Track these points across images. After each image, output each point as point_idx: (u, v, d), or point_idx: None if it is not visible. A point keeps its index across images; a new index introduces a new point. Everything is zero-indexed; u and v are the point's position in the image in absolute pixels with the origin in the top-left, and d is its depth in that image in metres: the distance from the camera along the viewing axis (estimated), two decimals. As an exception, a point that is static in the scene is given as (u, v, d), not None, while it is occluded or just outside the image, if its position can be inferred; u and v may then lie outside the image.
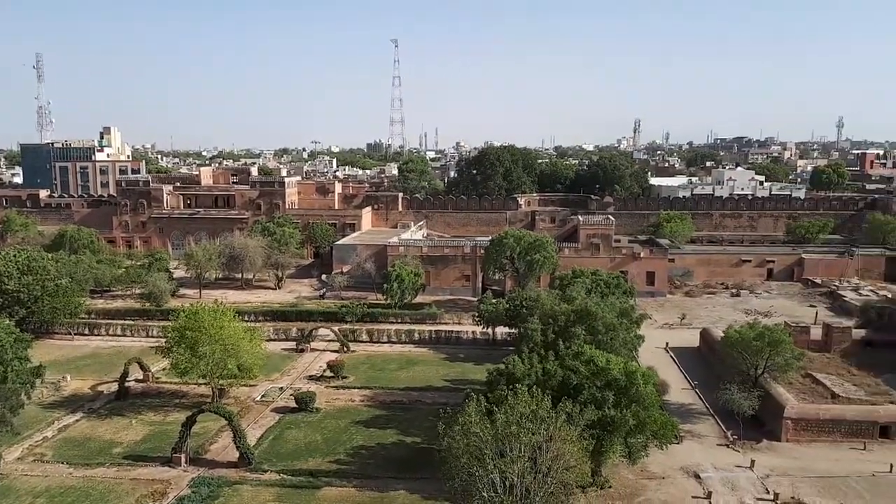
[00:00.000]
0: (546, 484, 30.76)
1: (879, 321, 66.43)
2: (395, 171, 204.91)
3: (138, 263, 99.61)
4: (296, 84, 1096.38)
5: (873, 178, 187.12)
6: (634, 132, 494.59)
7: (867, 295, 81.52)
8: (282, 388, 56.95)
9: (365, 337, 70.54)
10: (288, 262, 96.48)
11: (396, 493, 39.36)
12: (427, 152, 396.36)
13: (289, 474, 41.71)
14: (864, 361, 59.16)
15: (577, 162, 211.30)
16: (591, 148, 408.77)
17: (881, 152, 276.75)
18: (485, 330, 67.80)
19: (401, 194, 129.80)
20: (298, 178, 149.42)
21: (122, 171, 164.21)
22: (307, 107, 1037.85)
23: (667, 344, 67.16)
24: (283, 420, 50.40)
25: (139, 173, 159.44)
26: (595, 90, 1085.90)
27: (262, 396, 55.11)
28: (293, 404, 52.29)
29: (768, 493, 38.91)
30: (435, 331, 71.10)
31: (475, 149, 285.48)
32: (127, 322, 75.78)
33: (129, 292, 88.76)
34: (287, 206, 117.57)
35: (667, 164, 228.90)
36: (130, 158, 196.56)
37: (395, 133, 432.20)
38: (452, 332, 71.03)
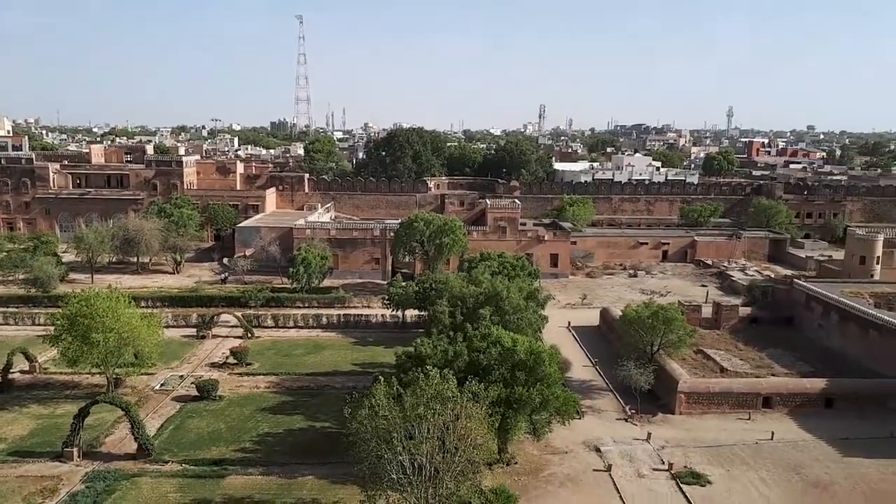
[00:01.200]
0: (454, 463, 31.20)
1: (763, 299, 71.23)
2: (301, 152, 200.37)
3: (21, 247, 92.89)
4: (193, 58, 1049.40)
5: (759, 165, 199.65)
6: (540, 118, 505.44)
7: (753, 275, 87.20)
8: (182, 376, 54.87)
9: (270, 322, 68.96)
10: (187, 245, 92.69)
11: (304, 478, 38.89)
12: (334, 132, 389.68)
13: (191, 464, 40.35)
14: (750, 337, 63.48)
15: (485, 146, 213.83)
16: (498, 133, 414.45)
17: (766, 141, 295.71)
18: (395, 313, 67.77)
19: (307, 175, 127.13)
20: (197, 157, 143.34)
21: (2, 148, 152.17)
22: (206, 83, 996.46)
23: (569, 323, 69.43)
24: (184, 409, 48.61)
25: (21, 150, 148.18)
26: (501, 76, 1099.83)
27: (162, 385, 52.93)
28: (195, 392, 50.52)
29: (663, 463, 41.11)
30: (343, 315, 70.41)
31: (384, 130, 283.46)
32: (10, 310, 70.67)
33: (10, 278, 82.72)
34: (185, 187, 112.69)
35: (570, 150, 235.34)
36: (11, 134, 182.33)
37: (300, 112, 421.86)
38: (362, 315, 70.55)
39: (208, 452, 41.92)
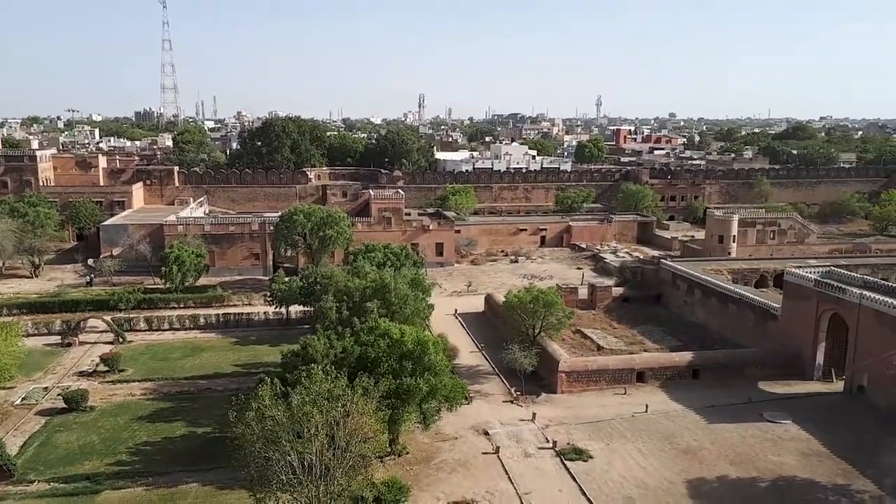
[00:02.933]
0: (345, 459, 30.94)
1: (634, 279, 75.45)
2: (170, 143, 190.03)
3: None
4: (46, 44, 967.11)
5: (627, 152, 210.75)
6: (419, 107, 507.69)
7: (623, 257, 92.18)
8: (47, 387, 50.77)
9: (143, 325, 65.18)
10: (46, 246, 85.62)
11: (188, 486, 37.21)
12: (205, 122, 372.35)
13: (61, 482, 37.52)
14: (623, 315, 67.14)
15: (365, 135, 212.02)
16: (378, 121, 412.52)
17: (633, 128, 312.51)
18: (278, 310, 65.96)
19: (177, 168, 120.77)
20: (53, 150, 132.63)
21: None
22: (61, 72, 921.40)
23: (456, 310, 70.50)
24: (50, 423, 45.03)
25: None
26: (380, 64, 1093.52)
27: (23, 399, 48.72)
28: (62, 405, 46.91)
29: (548, 441, 42.73)
30: (223, 314, 67.68)
31: (259, 119, 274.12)
32: None
33: None
34: (41, 184, 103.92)
35: (451, 139, 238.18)
36: None
37: (167, 101, 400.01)
38: (243, 314, 68.12)
39: (80, 468, 39.12)
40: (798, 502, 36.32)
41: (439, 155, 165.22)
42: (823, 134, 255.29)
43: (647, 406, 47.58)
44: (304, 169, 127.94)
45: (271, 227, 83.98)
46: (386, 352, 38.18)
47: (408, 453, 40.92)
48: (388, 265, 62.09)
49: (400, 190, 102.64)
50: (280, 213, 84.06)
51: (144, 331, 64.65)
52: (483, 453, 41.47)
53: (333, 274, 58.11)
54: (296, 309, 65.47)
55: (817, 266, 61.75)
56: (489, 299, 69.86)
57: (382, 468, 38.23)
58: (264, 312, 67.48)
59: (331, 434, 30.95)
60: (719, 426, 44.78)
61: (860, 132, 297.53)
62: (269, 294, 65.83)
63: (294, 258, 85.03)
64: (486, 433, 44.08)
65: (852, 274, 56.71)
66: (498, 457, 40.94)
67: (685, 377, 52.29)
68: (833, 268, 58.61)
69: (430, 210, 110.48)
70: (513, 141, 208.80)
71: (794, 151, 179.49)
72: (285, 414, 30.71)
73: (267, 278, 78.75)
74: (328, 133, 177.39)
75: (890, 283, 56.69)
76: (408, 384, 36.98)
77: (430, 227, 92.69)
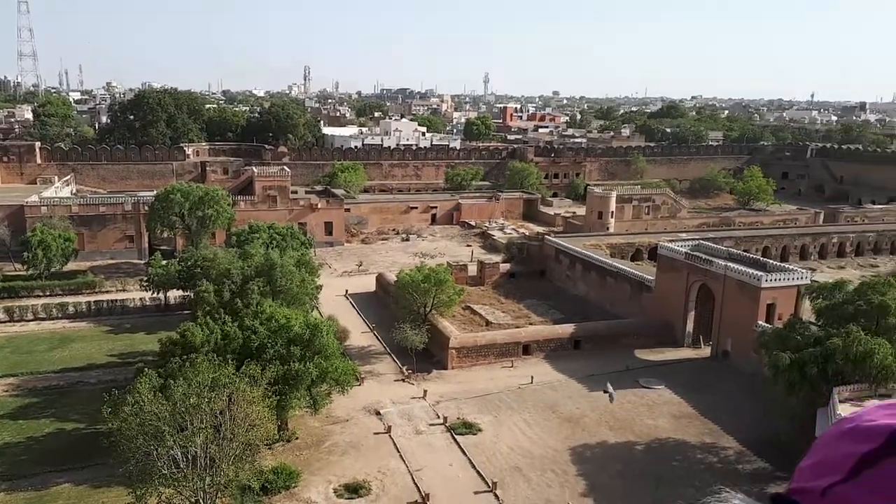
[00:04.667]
0: (231, 449, 30.06)
1: (520, 255, 77.48)
2: (30, 116, 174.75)
3: None
4: None
5: (513, 130, 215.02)
6: (305, 80, 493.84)
7: (510, 233, 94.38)
8: None
9: (3, 316, 60.06)
10: None
11: (59, 487, 34.93)
12: (70, 93, 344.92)
13: None
14: (510, 290, 68.93)
15: (247, 109, 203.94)
16: (261, 94, 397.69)
17: (518, 106, 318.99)
18: (156, 295, 62.60)
19: (38, 143, 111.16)
20: None
21: None
22: None
23: (346, 291, 69.76)
24: None
25: None
26: (262, 34, 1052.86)
27: None
28: None
29: (439, 417, 43.39)
30: (94, 301, 63.47)
31: (131, 91, 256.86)
32: None
33: None
34: None
35: (338, 114, 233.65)
36: None
37: (25, 69, 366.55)
38: (116, 300, 64.18)
39: (-70, 476, 35.75)
40: (671, 461, 38.96)
41: (327, 130, 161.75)
42: (694, 113, 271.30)
43: (532, 378, 49.27)
44: (182, 144, 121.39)
45: (146, 208, 79.28)
46: (272, 337, 37.20)
47: (297, 438, 40.32)
48: (274, 246, 60.31)
49: (285, 167, 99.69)
50: (155, 193, 79.50)
51: (5, 322, 59.64)
52: (375, 433, 41.53)
53: (215, 256, 55.76)
54: (175, 294, 62.41)
55: (687, 239, 65.90)
56: (380, 279, 69.61)
57: (271, 455, 37.45)
58: (140, 298, 63.90)
59: (216, 424, 29.94)
60: (599, 394, 47.07)
61: (726, 111, 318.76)
62: (145, 279, 62.31)
63: (172, 240, 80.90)
64: (378, 413, 44.14)
65: (718, 247, 61.01)
66: (390, 436, 41.13)
67: (568, 348, 54.51)
68: (701, 241, 62.76)
69: (318, 188, 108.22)
70: (402, 117, 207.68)
71: (668, 130, 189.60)
72: (167, 407, 29.39)
73: (142, 262, 74.50)
74: (207, 106, 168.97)
75: (751, 255, 61.47)
76: (296, 369, 36.27)
77: (319, 206, 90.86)
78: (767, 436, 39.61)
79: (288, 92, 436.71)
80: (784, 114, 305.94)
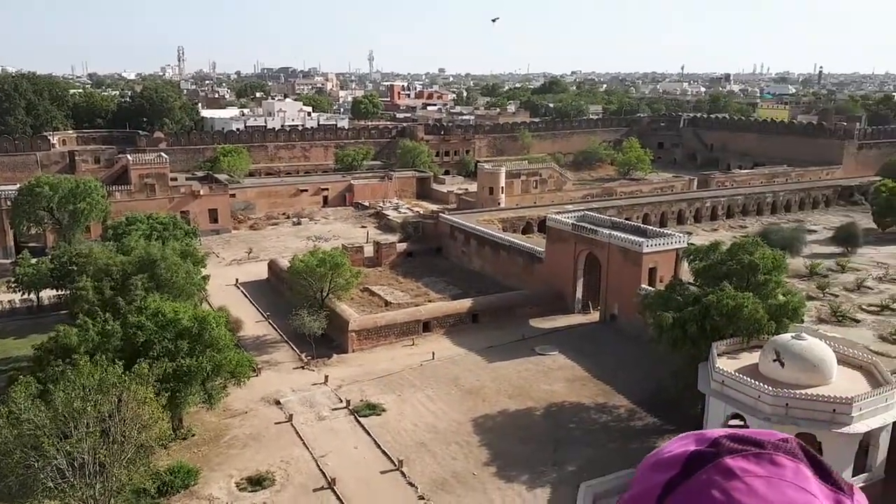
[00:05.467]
0: (123, 452, 28.58)
1: (416, 234, 77.72)
2: None
3: None
4: None
5: (402, 108, 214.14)
6: (179, 60, 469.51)
7: (405, 212, 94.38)
8: None
9: None
10: None
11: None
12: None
13: None
14: (408, 270, 69.09)
15: (117, 93, 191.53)
16: (132, 77, 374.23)
17: (405, 84, 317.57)
18: (26, 297, 58.03)
19: None
20: None
21: None
22: None
23: (237, 280, 67.48)
24: None
25: None
26: (128, 13, 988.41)
27: None
28: None
29: (341, 401, 43.06)
30: (-45, 306, 58.07)
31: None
32: None
33: None
34: None
35: (217, 95, 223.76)
36: None
37: None
38: (-19, 303, 59.01)
39: None
40: (567, 423, 40.64)
41: (205, 113, 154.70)
42: (575, 88, 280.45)
43: (433, 354, 49.80)
44: (45, 133, 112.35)
45: (9, 203, 73.09)
46: (158, 332, 35.45)
47: (194, 435, 38.89)
48: (156, 237, 57.27)
49: (163, 153, 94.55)
50: (19, 186, 73.34)
51: None
52: (276, 423, 40.69)
53: (91, 251, 52.24)
54: (48, 294, 58.12)
55: (574, 211, 68.34)
56: (273, 265, 67.77)
57: (168, 455, 35.88)
58: (9, 301, 59.04)
59: (104, 428, 28.34)
60: (498, 364, 48.32)
61: (605, 86, 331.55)
62: (13, 279, 57.57)
63: (41, 236, 75.09)
64: (278, 402, 43.23)
65: (602, 216, 63.65)
66: (291, 424, 40.43)
67: (466, 322, 55.43)
68: (587, 212, 65.24)
69: (200, 174, 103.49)
70: (286, 97, 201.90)
71: (551, 105, 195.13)
72: (47, 415, 27.52)
73: (9, 261, 68.76)
74: (72, 91, 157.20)
75: (632, 223, 64.60)
76: (188, 364, 34.80)
77: (202, 193, 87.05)
78: (655, 392, 42.07)
79: (161, 74, 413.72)
80: (658, 86, 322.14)
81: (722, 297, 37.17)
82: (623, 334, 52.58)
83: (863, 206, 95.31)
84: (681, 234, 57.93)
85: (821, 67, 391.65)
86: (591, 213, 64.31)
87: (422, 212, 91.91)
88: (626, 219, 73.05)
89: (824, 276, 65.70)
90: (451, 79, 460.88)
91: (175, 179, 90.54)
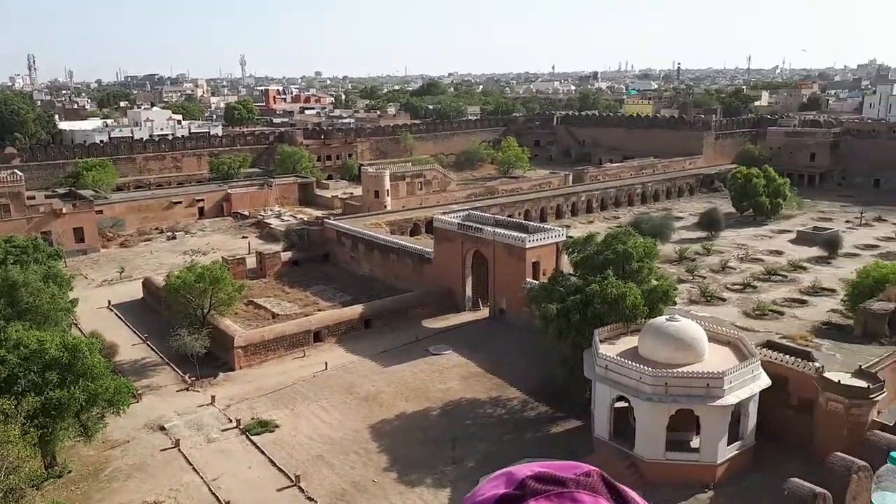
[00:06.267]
0: (-13, 500, 26.07)
1: (301, 242, 76.01)
2: None
3: None
4: None
5: (278, 113, 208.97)
6: (30, 70, 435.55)
7: (288, 220, 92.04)
8: None
9: None
10: None
11: None
12: None
13: None
14: (295, 279, 67.45)
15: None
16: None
17: (281, 88, 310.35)
18: None
19: None
20: None
21: None
22: None
23: (109, 302, 63.27)
24: None
25: None
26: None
27: None
28: None
29: (231, 421, 41.36)
30: None
31: None
32: None
33: None
34: None
35: (76, 106, 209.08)
36: None
37: None
38: None
39: None
40: (464, 419, 41.11)
41: (64, 125, 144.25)
42: (452, 89, 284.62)
43: (326, 363, 48.88)
44: None
45: None
46: (22, 365, 32.57)
47: (70, 472, 36.07)
48: (13, 261, 52.59)
49: (16, 170, 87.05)
50: None
51: None
52: (162, 450, 38.52)
53: (-63, 281, 47.16)
54: None
55: (459, 211, 69.29)
56: (148, 284, 64.09)
57: (41, 497, 33.02)
58: None
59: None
60: (393, 368, 48.14)
61: (481, 86, 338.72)
62: None
63: None
64: (163, 428, 40.94)
65: (486, 215, 64.97)
66: (179, 450, 38.40)
67: (359, 328, 54.85)
68: (471, 211, 66.36)
69: (62, 190, 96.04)
70: (153, 105, 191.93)
71: (431, 106, 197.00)
72: None
73: None
74: None
75: (515, 220, 66.39)
76: (58, 397, 32.20)
77: (64, 211, 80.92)
78: (545, 381, 43.39)
79: (10, 84, 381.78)
80: (531, 86, 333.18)
81: (605, 286, 38.85)
82: (512, 328, 53.84)
83: (722, 192, 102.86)
84: (560, 228, 60.14)
85: (679, 64, 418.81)
86: (476, 212, 65.45)
87: (306, 218, 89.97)
88: (509, 216, 75.03)
89: (692, 259, 70.31)
90: (329, 82, 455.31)
91: (33, 198, 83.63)
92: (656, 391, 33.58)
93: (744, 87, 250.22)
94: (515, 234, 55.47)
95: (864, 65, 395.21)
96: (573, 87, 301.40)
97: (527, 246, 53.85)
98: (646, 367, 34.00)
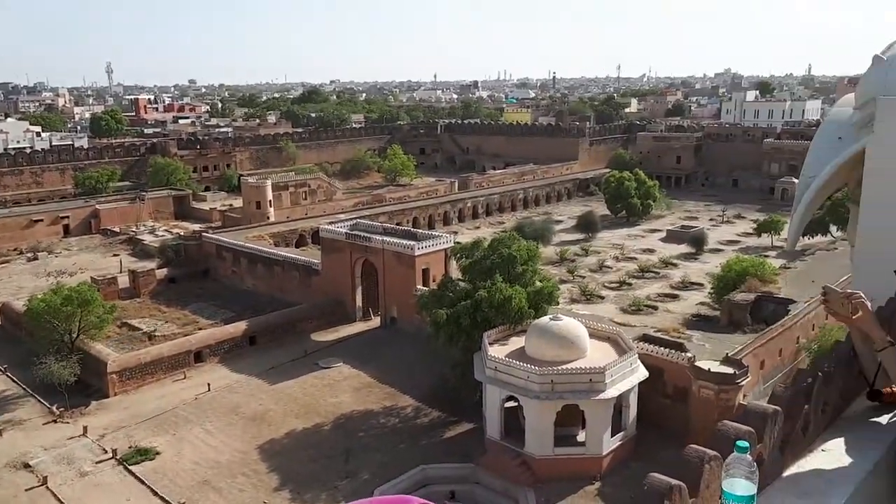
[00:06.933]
0: None
1: (178, 258, 72.43)
2: None
3: None
4: None
5: (150, 123, 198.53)
6: None
7: (163, 235, 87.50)
8: None
9: None
10: None
11: None
12: None
13: None
14: (172, 297, 64.12)
15: None
16: None
17: (152, 97, 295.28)
18: None
19: None
20: None
21: None
22: None
23: (-40, 331, 57.51)
24: None
25: None
26: None
27: None
28: None
29: (106, 452, 38.62)
30: None
31: None
32: None
33: None
34: None
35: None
36: None
37: None
38: None
39: None
40: (357, 432, 40.51)
41: None
42: (335, 97, 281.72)
43: (209, 385, 46.71)
44: None
45: None
46: None
47: (-84, 525, 32.34)
48: None
49: None
50: None
51: None
52: (27, 490, 35.37)
53: None
54: None
55: (346, 220, 68.48)
56: (6, 310, 58.79)
57: None
58: None
59: None
60: (282, 385, 46.71)
61: (364, 94, 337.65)
62: None
63: None
64: (28, 465, 37.58)
65: (374, 223, 64.64)
66: (47, 487, 35.39)
67: (243, 346, 52.84)
68: (359, 220, 65.81)
69: None
70: (7, 117, 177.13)
71: (313, 114, 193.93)
72: None
73: None
74: None
75: (403, 227, 66.46)
76: None
77: None
78: (437, 387, 43.54)
79: None
80: (414, 94, 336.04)
81: (493, 290, 39.56)
82: (404, 336, 53.71)
83: (598, 195, 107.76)
84: (448, 235, 60.78)
85: (554, 73, 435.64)
86: (364, 221, 64.92)
87: (183, 233, 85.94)
88: (397, 224, 75.04)
89: (572, 260, 73.10)
90: (204, 90, 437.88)
91: None
92: (543, 389, 34.51)
93: (614, 94, 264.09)
94: (404, 241, 55.46)
95: (721, 73, 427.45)
96: (455, 96, 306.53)
97: (416, 253, 53.98)
98: (533, 367, 34.88)
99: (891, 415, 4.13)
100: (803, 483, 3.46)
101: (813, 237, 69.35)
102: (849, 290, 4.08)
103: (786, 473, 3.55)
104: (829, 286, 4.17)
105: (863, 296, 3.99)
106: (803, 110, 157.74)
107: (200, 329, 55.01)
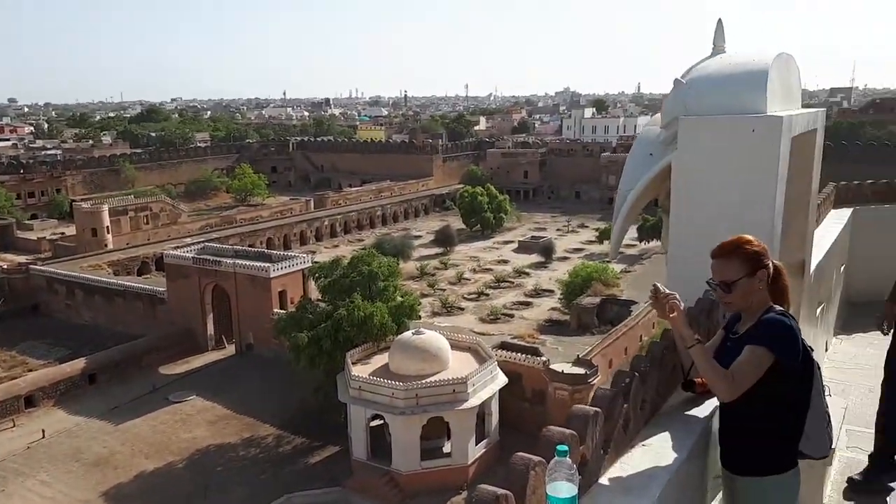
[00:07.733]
0: None
1: (1, 294, 65.46)
2: None
3: None
4: None
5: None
6: None
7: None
8: None
9: None
10: None
11: None
12: None
13: None
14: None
15: None
16: None
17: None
18: None
19: None
20: None
21: None
22: None
23: None
24: None
25: None
26: None
27: None
28: None
29: (-83, 520, 33.90)
30: None
31: None
32: None
33: None
34: None
35: None
36: None
37: None
38: None
39: None
40: (215, 467, 38.42)
41: None
42: (177, 115, 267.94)
43: (43, 431, 42.42)
44: None
45: None
46: None
47: None
48: None
49: None
50: None
51: None
52: None
53: None
54: None
55: (193, 244, 65.10)
56: None
57: None
58: None
59: None
60: (128, 424, 43.38)
61: (209, 112, 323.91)
62: None
63: None
64: None
65: (224, 246, 62.03)
66: None
67: (81, 386, 48.51)
68: (207, 243, 62.82)
69: None
70: None
71: (153, 134, 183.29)
72: None
73: None
74: None
75: (256, 249, 64.27)
76: None
77: None
78: (299, 412, 42.34)
79: None
80: (263, 111, 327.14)
81: (352, 309, 39.14)
82: (262, 362, 51.77)
83: (453, 210, 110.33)
84: (305, 255, 59.54)
85: (406, 91, 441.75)
86: (213, 244, 62.08)
87: (6, 266, 77.68)
88: (250, 245, 72.49)
89: (432, 274, 74.17)
90: (27, 109, 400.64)
91: None
92: (408, 404, 34.59)
93: (464, 112, 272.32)
94: (258, 263, 53.62)
95: (561, 92, 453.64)
96: (306, 113, 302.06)
97: (271, 275, 52.35)
98: (397, 383, 34.88)
99: (702, 404, 4.53)
100: (626, 479, 3.69)
101: (650, 242, 75.15)
102: (666, 291, 4.39)
103: (610, 471, 3.77)
104: (657, 284, 4.44)
105: (677, 296, 4.32)
106: (635, 125, 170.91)
107: (31, 371, 49.91)
